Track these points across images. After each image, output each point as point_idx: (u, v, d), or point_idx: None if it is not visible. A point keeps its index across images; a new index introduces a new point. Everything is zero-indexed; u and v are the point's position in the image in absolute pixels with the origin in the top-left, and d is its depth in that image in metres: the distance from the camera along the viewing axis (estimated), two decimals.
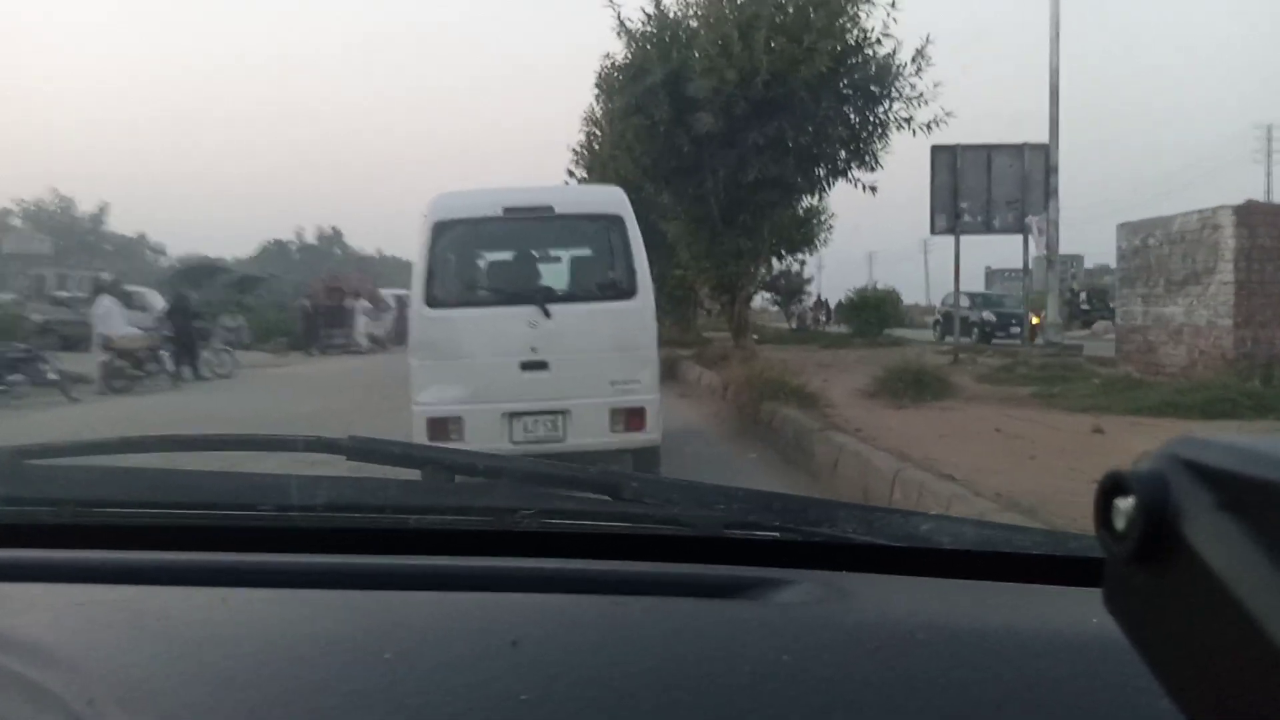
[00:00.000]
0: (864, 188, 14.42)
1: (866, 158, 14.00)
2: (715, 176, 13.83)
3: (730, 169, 13.52)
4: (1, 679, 0.64)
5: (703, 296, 26.73)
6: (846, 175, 14.31)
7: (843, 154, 13.79)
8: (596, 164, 24.07)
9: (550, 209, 6.42)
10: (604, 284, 6.42)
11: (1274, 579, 0.30)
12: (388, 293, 35.02)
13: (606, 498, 1.05)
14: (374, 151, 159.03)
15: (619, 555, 0.91)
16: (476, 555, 0.92)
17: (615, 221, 6.30)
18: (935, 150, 15.42)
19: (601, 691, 0.64)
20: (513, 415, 6.01)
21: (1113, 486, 0.36)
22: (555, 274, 7.03)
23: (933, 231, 15.41)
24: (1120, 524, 0.36)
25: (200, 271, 35.78)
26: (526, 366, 6.02)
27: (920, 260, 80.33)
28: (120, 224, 76.90)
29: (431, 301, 6.09)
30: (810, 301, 41.83)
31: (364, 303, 27.78)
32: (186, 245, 73.65)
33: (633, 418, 6.11)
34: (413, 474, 1.14)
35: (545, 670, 0.66)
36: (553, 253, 7.15)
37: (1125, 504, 0.35)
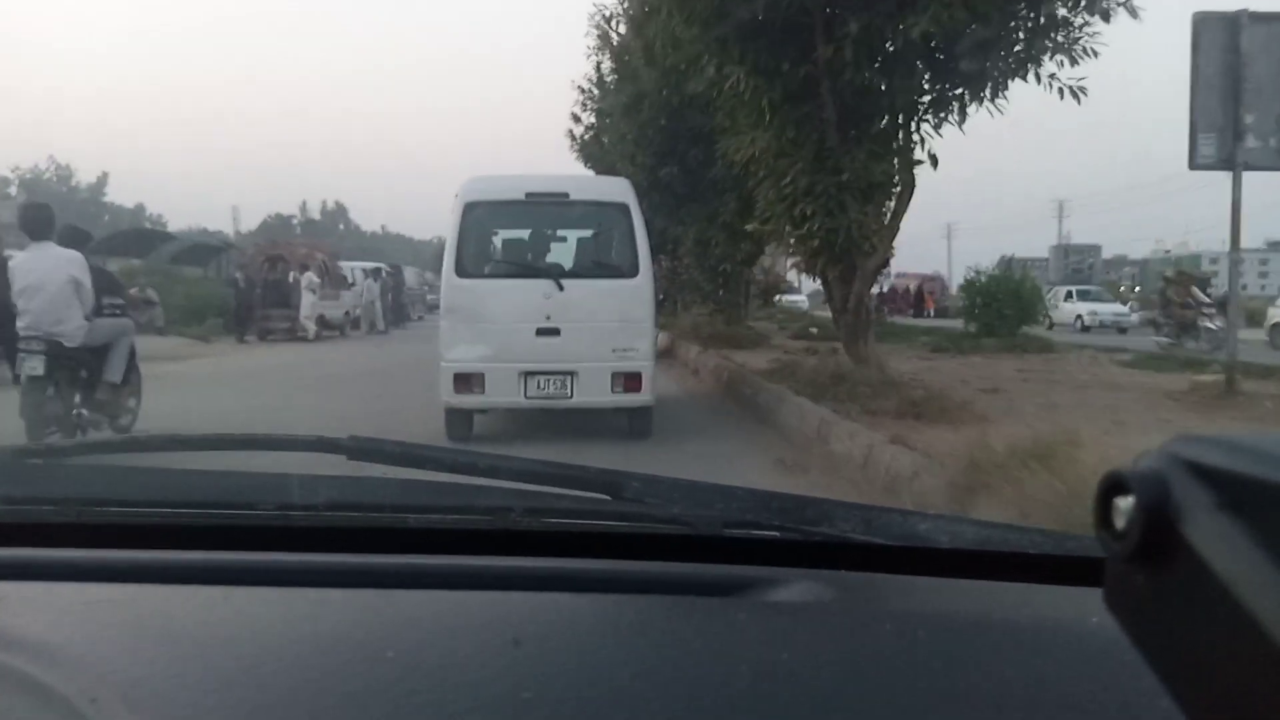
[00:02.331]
0: (1063, 91, 7.87)
1: (1083, 32, 7.69)
2: (835, 39, 6.55)
3: (867, 24, 6.27)
4: (4, 677, 0.65)
5: (765, 271, 19.13)
6: (1029, 67, 7.87)
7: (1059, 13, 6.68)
8: (606, 91, 19.23)
9: (566, 195, 7.32)
10: (610, 263, 7.30)
11: (1274, 579, 0.31)
12: (354, 266, 27.97)
13: (607, 497, 1.03)
14: (381, 126, 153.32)
15: (619, 554, 0.92)
16: (477, 554, 0.91)
17: (622, 209, 7.10)
18: (1201, 23, 8.10)
19: (603, 690, 0.65)
20: (528, 374, 6.79)
21: (1112, 485, 0.36)
22: (568, 252, 7.81)
23: (1192, 164, 8.38)
24: (1120, 523, 0.35)
25: (136, 237, 28.85)
26: (541, 332, 6.81)
27: (942, 246, 72.40)
28: (121, 195, 72.48)
29: (460, 272, 6.97)
30: (899, 284, 32.37)
31: (311, 276, 20.95)
32: (188, 218, 70.00)
33: (631, 380, 6.85)
34: (414, 473, 1.10)
35: (547, 668, 0.68)
36: (566, 234, 7.84)
37: (1125, 503, 0.35)
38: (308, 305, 21.62)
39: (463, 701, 0.62)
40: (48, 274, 6.52)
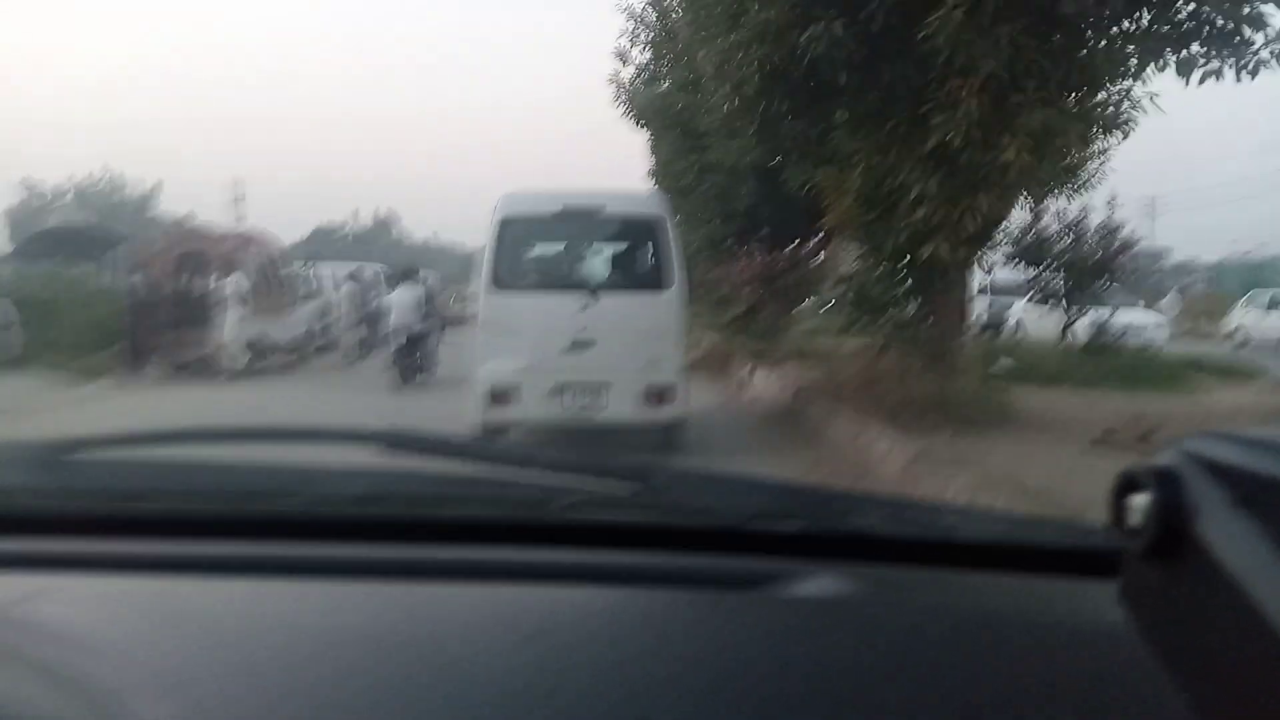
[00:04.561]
0: None
1: None
2: None
3: None
4: (42, 667, 0.66)
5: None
6: None
7: None
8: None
9: (601, 210, 7.32)
10: (643, 276, 7.29)
11: None
12: (335, 269, 20.48)
13: (634, 489, 1.04)
14: (435, 132, 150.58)
15: (645, 546, 0.92)
16: (506, 546, 0.92)
17: (655, 223, 7.19)
18: None
19: (625, 680, 0.65)
20: (561, 387, 6.85)
21: (1128, 483, 0.36)
22: (602, 266, 8.03)
23: None
24: (1135, 520, 0.36)
25: (75, 237, 21.85)
26: (575, 345, 6.87)
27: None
28: (172, 204, 68.99)
29: (497, 285, 7.01)
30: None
31: (238, 281, 13.42)
32: (240, 226, 64.13)
33: (662, 394, 6.88)
34: (446, 465, 1.09)
35: (571, 659, 0.68)
36: (601, 248, 8.06)
37: (1140, 500, 0.36)
38: (231, 324, 14.63)
39: (487, 690, 0.63)
40: (405, 297, 13.33)
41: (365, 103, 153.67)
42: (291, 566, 0.85)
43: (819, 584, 0.80)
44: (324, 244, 68.53)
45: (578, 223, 7.37)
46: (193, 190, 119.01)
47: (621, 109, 17.70)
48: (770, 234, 14.37)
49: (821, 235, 13.68)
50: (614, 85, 17.59)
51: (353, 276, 19.93)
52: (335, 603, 0.79)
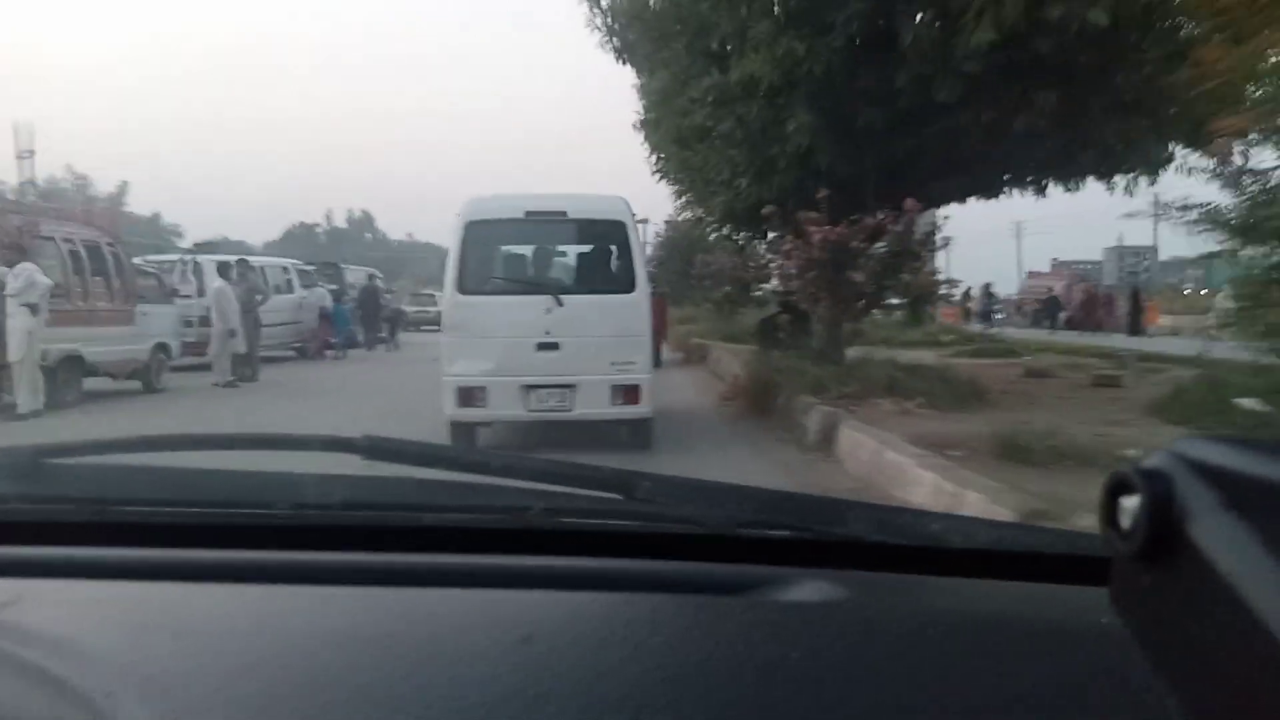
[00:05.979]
0: None
1: None
2: None
3: None
4: (23, 672, 0.66)
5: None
6: None
7: None
8: None
9: (564, 213, 7.34)
10: (608, 279, 7.35)
11: (1277, 578, 0.31)
12: (210, 259, 15.47)
13: (619, 496, 1.03)
14: (408, 134, 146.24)
15: (631, 553, 0.91)
16: (490, 553, 0.91)
17: (618, 226, 7.19)
18: None
19: (613, 687, 0.65)
20: (529, 387, 6.91)
21: (1118, 485, 0.36)
22: (567, 269, 8.32)
23: None
24: (1126, 522, 0.35)
25: None
26: (541, 347, 6.91)
27: (1001, 247, 60.18)
28: (141, 205, 66.27)
29: (463, 289, 7.07)
30: (1035, 287, 14.97)
31: (31, 271, 9.66)
32: (209, 227, 71.00)
33: (629, 393, 6.97)
34: (427, 473, 1.08)
35: (557, 666, 0.68)
36: (565, 251, 8.24)
37: (1130, 502, 0.35)
38: (20, 337, 9.62)
39: (473, 697, 0.62)
40: None
41: (340, 103, 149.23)
42: (274, 572, 0.86)
43: (809, 589, 0.81)
44: (298, 244, 64.30)
45: (542, 226, 7.41)
46: (166, 190, 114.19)
47: (598, 32, 12.39)
48: (832, 196, 8.59)
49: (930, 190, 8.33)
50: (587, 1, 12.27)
51: (224, 273, 14.20)
52: (318, 608, 0.79)
